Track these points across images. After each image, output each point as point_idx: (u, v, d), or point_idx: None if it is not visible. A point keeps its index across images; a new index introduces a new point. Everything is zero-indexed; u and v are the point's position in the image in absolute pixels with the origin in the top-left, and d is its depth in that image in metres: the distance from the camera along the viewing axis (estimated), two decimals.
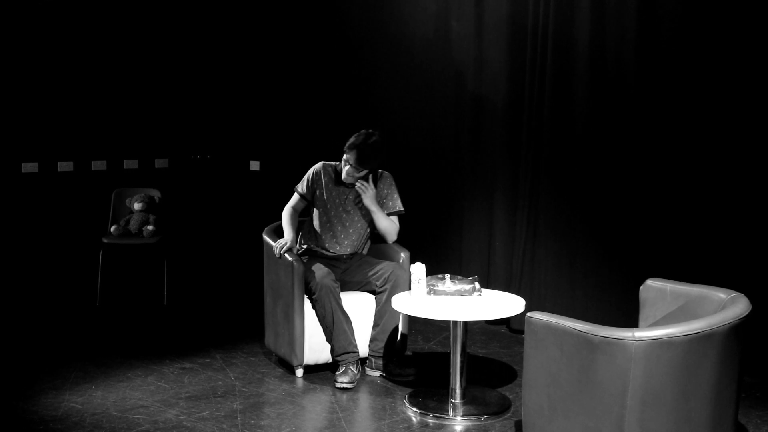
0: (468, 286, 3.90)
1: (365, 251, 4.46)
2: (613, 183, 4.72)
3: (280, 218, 4.41)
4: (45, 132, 6.11)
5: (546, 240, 5.01)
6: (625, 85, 4.63)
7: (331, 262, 4.32)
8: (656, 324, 3.26)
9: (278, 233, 4.44)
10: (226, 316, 5.56)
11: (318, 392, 4.06)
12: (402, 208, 4.36)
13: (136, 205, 5.87)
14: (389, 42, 5.80)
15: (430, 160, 5.63)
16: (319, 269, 4.14)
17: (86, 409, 3.78)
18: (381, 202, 4.31)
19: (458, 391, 3.81)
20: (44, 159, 6.13)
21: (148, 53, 6.58)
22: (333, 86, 6.16)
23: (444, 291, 3.89)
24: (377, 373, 4.27)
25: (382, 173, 4.37)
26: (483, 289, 4.01)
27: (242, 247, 6.44)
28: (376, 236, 4.42)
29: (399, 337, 4.30)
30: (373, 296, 4.31)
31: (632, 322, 3.59)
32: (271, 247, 4.29)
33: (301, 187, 4.38)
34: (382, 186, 4.34)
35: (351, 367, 4.12)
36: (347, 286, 4.33)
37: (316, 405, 3.94)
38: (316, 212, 4.37)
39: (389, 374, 4.23)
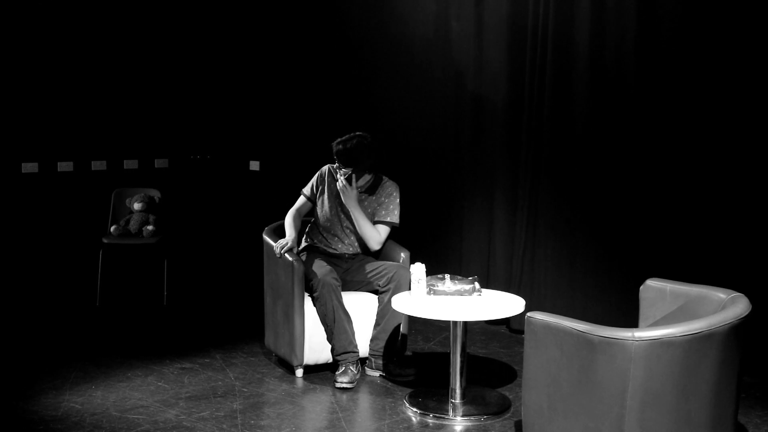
0: (468, 286, 3.90)
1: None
2: (613, 183, 4.72)
3: (279, 218, 4.43)
4: (45, 132, 6.11)
5: (546, 240, 5.01)
6: (625, 85, 4.63)
7: (332, 259, 4.33)
8: (656, 324, 3.26)
9: (278, 233, 4.44)
10: (226, 316, 5.56)
11: (318, 392, 4.06)
12: (395, 221, 4.32)
13: (136, 205, 5.87)
14: (389, 42, 5.80)
15: (430, 160, 5.63)
16: (321, 267, 4.14)
17: (86, 409, 3.78)
18: (374, 208, 4.32)
19: (458, 391, 3.81)
20: (44, 159, 6.13)
21: (148, 53, 6.58)
22: (333, 86, 6.16)
23: (444, 291, 3.89)
24: (377, 373, 4.27)
25: (385, 182, 4.39)
26: (483, 289, 4.01)
27: (242, 247, 6.44)
28: None
29: (399, 338, 4.30)
30: (375, 296, 4.31)
31: (632, 322, 3.59)
32: (271, 247, 4.30)
33: (308, 189, 4.47)
34: (380, 193, 4.36)
35: (351, 367, 4.12)
36: (348, 286, 4.32)
37: (316, 405, 3.94)
38: (319, 212, 4.40)
39: (389, 374, 4.23)
